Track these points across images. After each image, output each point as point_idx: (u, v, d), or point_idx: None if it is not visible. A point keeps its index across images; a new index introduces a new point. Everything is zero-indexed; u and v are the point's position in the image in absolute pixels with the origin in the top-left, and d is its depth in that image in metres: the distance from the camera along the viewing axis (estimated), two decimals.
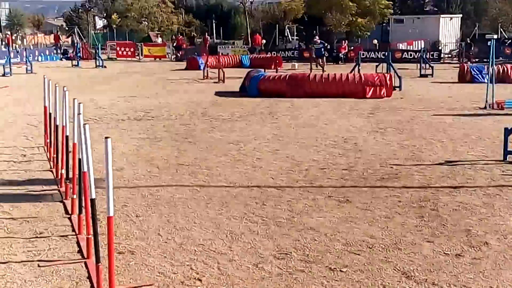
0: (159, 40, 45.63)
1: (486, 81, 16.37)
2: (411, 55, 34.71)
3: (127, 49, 41.90)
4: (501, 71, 21.16)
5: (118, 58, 40.51)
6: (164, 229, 5.65)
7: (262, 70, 21.10)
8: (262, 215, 6.07)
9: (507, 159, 8.46)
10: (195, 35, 50.92)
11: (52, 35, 56.62)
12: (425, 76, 24.45)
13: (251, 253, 5.02)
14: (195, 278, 4.50)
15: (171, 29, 50.20)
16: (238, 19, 53.73)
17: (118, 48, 42.35)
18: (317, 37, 29.74)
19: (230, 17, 54.62)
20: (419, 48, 33.29)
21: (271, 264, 4.77)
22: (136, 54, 41.68)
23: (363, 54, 31.21)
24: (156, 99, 16.70)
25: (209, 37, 44.20)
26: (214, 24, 50.07)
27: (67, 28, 54.29)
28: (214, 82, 22.10)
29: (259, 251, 5.06)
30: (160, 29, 50.32)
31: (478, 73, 21.65)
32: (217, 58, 25.76)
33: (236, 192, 6.96)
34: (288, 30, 45.37)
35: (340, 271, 4.64)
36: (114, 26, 51.58)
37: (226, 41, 46.31)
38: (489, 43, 15.18)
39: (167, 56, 40.88)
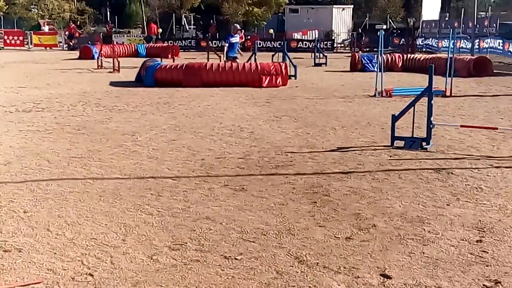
0: (46, 28, 44.02)
1: (375, 69, 17.03)
2: (306, 44, 35.58)
3: (15, 38, 40.19)
4: (389, 60, 22.18)
5: (5, 47, 38.70)
6: (54, 224, 5.44)
7: (159, 59, 20.83)
8: (157, 206, 6.00)
9: (394, 144, 8.85)
10: (88, 23, 49.40)
11: None
12: (319, 65, 25.15)
13: (146, 245, 4.94)
14: (86, 274, 4.37)
15: (62, 17, 48.35)
16: (134, 8, 52.68)
17: (5, 37, 40.52)
18: (237, 25, 21.60)
19: (125, 5, 53.42)
20: (314, 38, 34.16)
21: (166, 256, 4.72)
22: (26, 43, 40.02)
23: (260, 44, 31.61)
24: (47, 90, 16.06)
25: (112, 26, 43.17)
26: (108, 12, 48.80)
27: None
28: (109, 72, 21.58)
29: (154, 243, 5.00)
30: (51, 17, 48.35)
31: (368, 62, 22.53)
32: (112, 47, 25.14)
33: (131, 184, 6.83)
34: (185, 19, 45.10)
35: (235, 259, 4.67)
36: (1, 13, 49.06)
37: (121, 30, 45.37)
38: (378, 33, 15.80)
39: (58, 45, 39.52)
